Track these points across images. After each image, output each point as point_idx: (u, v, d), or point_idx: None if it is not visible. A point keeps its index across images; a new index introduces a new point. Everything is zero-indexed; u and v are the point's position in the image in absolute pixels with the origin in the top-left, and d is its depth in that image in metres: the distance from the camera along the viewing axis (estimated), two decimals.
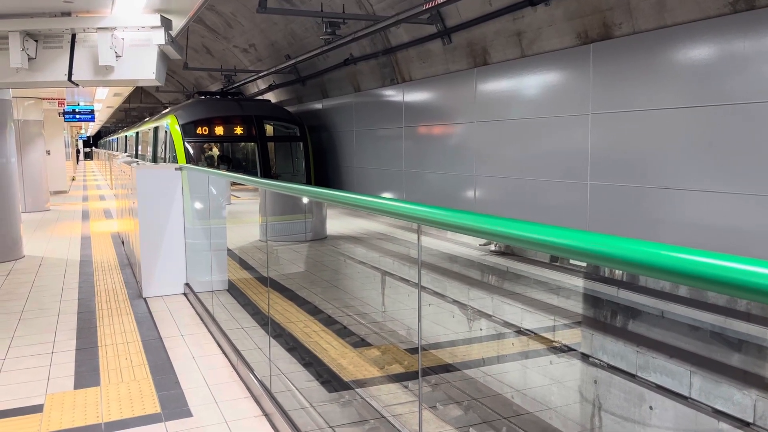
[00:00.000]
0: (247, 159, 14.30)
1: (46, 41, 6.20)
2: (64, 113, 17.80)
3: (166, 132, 13.42)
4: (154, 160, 15.36)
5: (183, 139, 12.52)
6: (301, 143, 13.64)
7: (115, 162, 14.61)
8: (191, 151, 12.81)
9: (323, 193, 3.32)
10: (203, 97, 15.29)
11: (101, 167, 34.11)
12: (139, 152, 20.03)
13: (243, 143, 14.10)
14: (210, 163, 13.61)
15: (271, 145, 13.88)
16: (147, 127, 17.60)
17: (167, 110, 16.12)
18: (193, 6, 5.99)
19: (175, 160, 12.52)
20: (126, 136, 27.97)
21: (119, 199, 10.59)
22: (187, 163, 11.80)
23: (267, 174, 12.95)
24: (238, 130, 13.05)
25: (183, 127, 12.67)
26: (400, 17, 7.77)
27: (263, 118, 13.37)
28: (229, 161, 13.98)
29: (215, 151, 13.86)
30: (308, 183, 13.12)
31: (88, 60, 6.22)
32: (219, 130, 12.95)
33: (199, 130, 12.75)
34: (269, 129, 13.65)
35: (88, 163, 47.81)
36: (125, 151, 26.11)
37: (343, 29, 9.80)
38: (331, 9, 10.43)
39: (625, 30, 6.25)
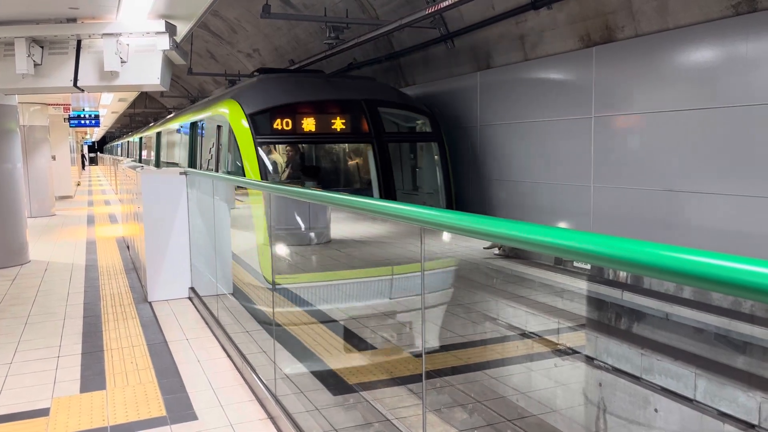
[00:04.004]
0: (353, 169, 9.29)
1: (52, 47, 6.25)
2: (70, 119, 17.88)
3: (219, 128, 8.54)
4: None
5: (254, 140, 7.60)
6: (435, 144, 8.57)
7: (120, 167, 13.94)
8: (268, 157, 7.99)
9: (329, 197, 3.34)
10: (273, 74, 9.80)
11: (106, 172, 34.23)
12: (163, 158, 15.07)
13: (348, 144, 9.08)
14: (294, 175, 8.59)
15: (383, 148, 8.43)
16: (176, 125, 12.73)
17: (218, 94, 10.68)
18: (197, 12, 6.03)
19: (240, 171, 7.62)
20: (141, 138, 22.29)
21: (124, 203, 10.62)
22: (262, 178, 7.38)
23: (390, 193, 7.85)
24: (339, 124, 8.01)
25: (253, 118, 7.74)
26: (403, 21, 7.79)
27: (378, 104, 8.29)
28: (317, 173, 8.94)
29: (291, 156, 8.74)
30: (449, 206, 8.39)
31: (93, 66, 6.26)
32: (309, 124, 7.94)
33: (277, 124, 7.77)
34: (388, 122, 8.48)
35: (94, 168, 48.00)
36: (139, 159, 21.15)
37: (347, 34, 9.84)
38: (335, 14, 10.47)
39: (627, 33, 6.26)
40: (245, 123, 7.70)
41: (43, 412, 3.67)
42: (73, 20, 6.14)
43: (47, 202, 14.52)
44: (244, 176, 7.03)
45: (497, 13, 7.81)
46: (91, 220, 13.62)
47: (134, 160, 19.98)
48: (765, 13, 4.99)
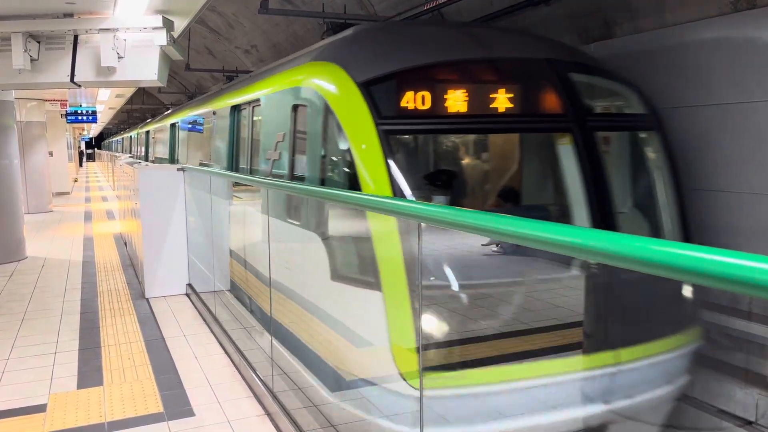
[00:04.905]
0: (527, 176, 5.47)
1: (49, 42, 6.22)
2: (67, 115, 17.84)
3: (298, 110, 4.82)
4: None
5: (377, 127, 3.98)
6: (654, 134, 4.78)
7: (117, 163, 13.64)
8: (403, 159, 4.67)
9: (326, 193, 3.34)
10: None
11: (104, 169, 34.16)
12: (180, 158, 11.24)
13: (525, 133, 5.25)
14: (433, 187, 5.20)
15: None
16: (203, 111, 8.84)
17: (298, 54, 6.11)
18: (194, 7, 6.00)
19: (346, 179, 4.10)
20: (148, 131, 17.33)
21: (122, 200, 10.59)
22: (396, 193, 3.87)
23: (608, 217, 4.20)
24: (511, 100, 4.28)
25: (370, 90, 4.13)
26: (401, 18, 7.78)
27: (573, 68, 4.61)
28: (450, 182, 5.35)
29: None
30: (687, 238, 4.54)
31: (90, 61, 6.23)
32: (459, 99, 4.21)
33: (408, 101, 4.11)
34: (589, 98, 4.69)
35: (91, 164, 47.92)
36: (146, 158, 17.03)
37: None
38: (333, 10, 10.45)
39: (626, 29, 6.25)
40: (356, 98, 4.10)
41: (40, 408, 3.66)
42: (70, 15, 6.11)
43: (44, 199, 14.49)
44: (359, 188, 3.89)
45: (495, 9, 7.79)
46: (88, 217, 13.59)
47: (132, 156, 19.73)
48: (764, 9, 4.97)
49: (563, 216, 4.45)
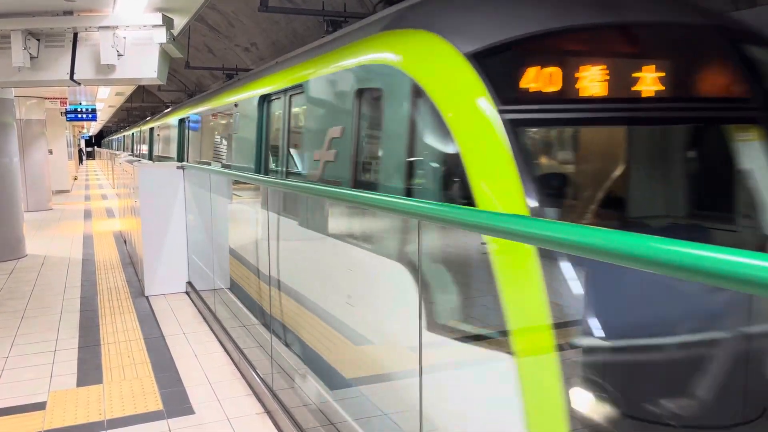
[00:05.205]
0: (704, 181, 3.71)
1: (48, 40, 6.21)
2: (66, 113, 17.81)
3: (364, 92, 3.60)
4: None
5: (501, 117, 2.61)
6: None
7: (117, 161, 13.55)
8: (542, 162, 3.72)
9: (324, 191, 3.34)
10: None
11: (104, 167, 34.16)
12: (190, 159, 9.63)
13: (696, 124, 3.59)
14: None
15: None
16: (222, 102, 7.49)
17: (351, 28, 5.12)
18: (194, 5, 5.99)
19: (460, 194, 2.70)
20: (152, 128, 15.33)
21: (121, 198, 10.58)
22: (534, 213, 2.49)
23: None
24: (658, 80, 2.97)
25: (482, 62, 2.75)
26: None
27: (751, 40, 3.26)
28: (563, 188, 3.67)
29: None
30: None
31: (90, 59, 6.23)
32: (599, 79, 2.85)
33: (528, 80, 2.75)
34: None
35: (91, 162, 47.93)
36: (150, 156, 15.10)
37: (345, 28, 9.82)
38: (333, 8, 10.45)
39: None
40: (466, 76, 2.84)
41: (40, 406, 3.66)
42: (70, 13, 6.10)
43: (44, 197, 14.48)
44: (471, 203, 2.68)
45: None
46: (88, 215, 13.59)
47: (133, 155, 19.70)
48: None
49: (756, 244, 3.23)
